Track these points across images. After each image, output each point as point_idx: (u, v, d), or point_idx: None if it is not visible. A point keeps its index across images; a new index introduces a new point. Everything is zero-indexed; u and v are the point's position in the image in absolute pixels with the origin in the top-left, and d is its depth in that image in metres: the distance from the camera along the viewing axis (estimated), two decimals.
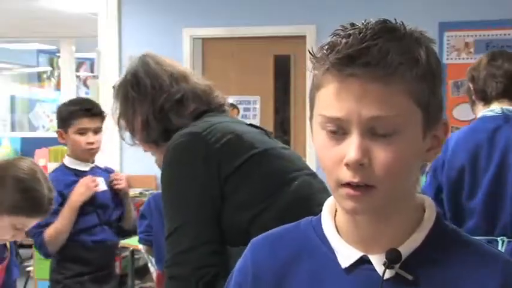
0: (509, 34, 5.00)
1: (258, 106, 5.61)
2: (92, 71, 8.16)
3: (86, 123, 2.84)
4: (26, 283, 5.27)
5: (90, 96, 6.26)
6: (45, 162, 6.04)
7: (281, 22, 5.36)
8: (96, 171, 2.94)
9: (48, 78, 9.76)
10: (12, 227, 2.07)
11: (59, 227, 2.77)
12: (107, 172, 3.01)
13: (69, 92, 7.27)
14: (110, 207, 2.93)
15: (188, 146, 1.71)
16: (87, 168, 2.91)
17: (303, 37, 5.34)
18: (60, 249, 2.81)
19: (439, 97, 0.95)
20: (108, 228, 2.92)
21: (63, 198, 2.76)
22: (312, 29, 5.30)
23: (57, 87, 8.97)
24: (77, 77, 8.74)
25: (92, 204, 2.83)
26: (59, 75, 8.68)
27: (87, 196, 2.80)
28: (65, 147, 6.05)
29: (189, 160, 1.69)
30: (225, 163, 1.68)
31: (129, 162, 5.47)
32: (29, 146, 6.53)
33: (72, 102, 2.97)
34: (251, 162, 1.72)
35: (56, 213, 2.70)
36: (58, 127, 2.93)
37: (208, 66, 5.64)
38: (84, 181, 2.82)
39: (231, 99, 5.64)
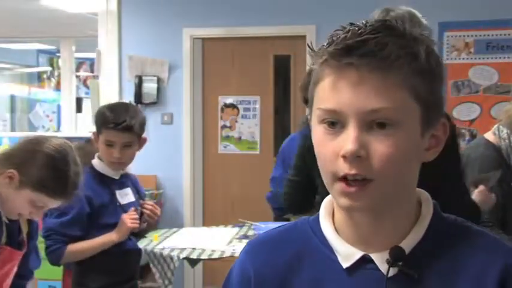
0: (509, 34, 5.00)
1: (258, 106, 5.61)
2: (92, 71, 8.14)
3: (112, 136, 2.65)
4: None
5: (90, 97, 6.25)
6: None
7: (281, 22, 5.37)
8: (125, 180, 2.80)
9: (48, 78, 9.75)
10: (31, 203, 2.09)
11: (86, 251, 2.66)
12: (133, 180, 2.86)
13: (69, 92, 7.27)
14: (136, 218, 2.76)
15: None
16: (116, 176, 2.75)
17: (303, 37, 5.34)
18: (84, 260, 2.70)
19: (439, 97, 0.95)
20: (134, 238, 2.80)
21: (90, 207, 2.63)
22: (312, 29, 5.30)
23: (57, 87, 8.96)
24: (77, 77, 8.73)
25: (120, 216, 2.69)
26: (59, 75, 8.67)
27: (127, 234, 2.68)
28: None
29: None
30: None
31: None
32: None
33: (108, 108, 2.72)
34: None
35: (82, 225, 2.61)
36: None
37: (208, 66, 5.65)
38: (125, 219, 2.66)
39: (231, 99, 5.65)
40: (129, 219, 2.66)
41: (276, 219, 2.96)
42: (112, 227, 2.67)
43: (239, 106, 5.63)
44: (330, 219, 1.00)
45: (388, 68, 0.88)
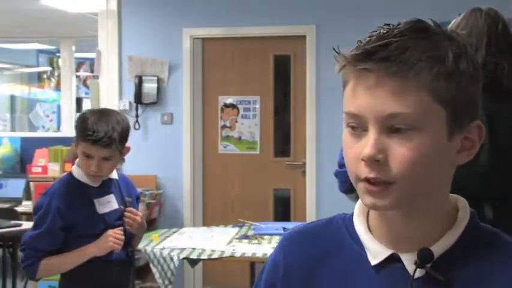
0: None
1: (258, 106, 5.61)
2: (92, 71, 8.15)
3: (90, 150, 2.49)
4: (25, 283, 5.26)
5: (90, 97, 6.25)
6: (45, 162, 6.04)
7: (281, 22, 5.37)
8: (107, 186, 2.64)
9: (48, 78, 9.76)
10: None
11: (62, 265, 2.57)
12: (118, 185, 2.69)
13: (69, 92, 7.27)
14: (122, 226, 2.63)
15: None
16: (96, 184, 2.60)
17: (303, 37, 5.35)
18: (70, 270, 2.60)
19: (471, 99, 0.93)
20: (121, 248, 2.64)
21: (63, 220, 2.52)
22: (312, 29, 5.31)
23: (57, 87, 8.97)
24: (77, 77, 8.74)
25: (101, 226, 2.58)
26: (59, 75, 8.68)
27: (107, 252, 2.55)
28: (65, 148, 6.07)
29: None
30: None
31: (129, 162, 5.47)
32: (29, 146, 6.53)
33: (89, 119, 2.51)
34: None
35: (55, 238, 2.53)
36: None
37: (208, 66, 5.65)
38: (109, 237, 2.54)
39: (231, 99, 5.65)
40: (113, 239, 2.54)
41: (347, 192, 2.99)
42: (91, 237, 2.56)
43: (239, 106, 5.63)
44: (363, 217, 1.01)
45: (406, 73, 0.87)
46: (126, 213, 2.64)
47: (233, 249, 3.81)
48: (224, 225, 4.62)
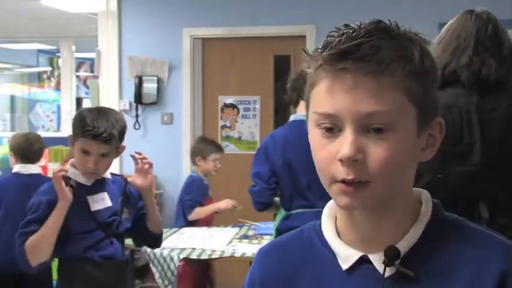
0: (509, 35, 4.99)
1: (258, 106, 5.61)
2: (92, 71, 8.15)
3: (89, 146, 2.50)
4: None
5: (90, 97, 6.25)
6: (45, 162, 6.03)
7: (281, 22, 5.37)
8: (100, 184, 2.62)
9: (48, 78, 9.75)
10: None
11: (42, 240, 2.47)
12: (112, 184, 2.67)
13: (69, 92, 7.27)
14: (114, 222, 2.61)
15: None
16: (89, 183, 2.59)
17: (303, 37, 5.35)
18: (66, 268, 2.59)
19: (434, 96, 0.96)
20: (117, 242, 2.62)
21: (51, 209, 2.49)
22: (312, 29, 5.31)
23: (57, 87, 8.96)
24: (77, 77, 8.73)
25: (93, 223, 2.55)
26: (59, 75, 8.67)
27: (67, 192, 2.47)
28: (65, 148, 6.08)
29: None
30: None
31: (129, 162, 5.46)
32: None
33: (88, 115, 2.52)
34: None
35: (42, 222, 2.49)
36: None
37: (208, 66, 5.65)
38: (53, 176, 2.49)
39: (231, 99, 5.65)
40: (56, 173, 2.48)
41: (262, 210, 3.12)
42: (82, 234, 2.54)
43: (239, 106, 5.63)
44: (332, 222, 1.01)
45: (383, 72, 0.88)
46: (136, 156, 2.68)
47: (233, 249, 3.81)
48: (224, 225, 4.62)
